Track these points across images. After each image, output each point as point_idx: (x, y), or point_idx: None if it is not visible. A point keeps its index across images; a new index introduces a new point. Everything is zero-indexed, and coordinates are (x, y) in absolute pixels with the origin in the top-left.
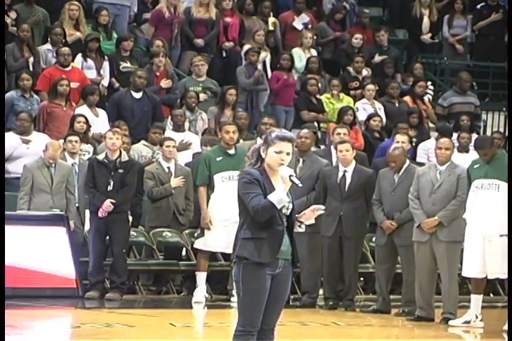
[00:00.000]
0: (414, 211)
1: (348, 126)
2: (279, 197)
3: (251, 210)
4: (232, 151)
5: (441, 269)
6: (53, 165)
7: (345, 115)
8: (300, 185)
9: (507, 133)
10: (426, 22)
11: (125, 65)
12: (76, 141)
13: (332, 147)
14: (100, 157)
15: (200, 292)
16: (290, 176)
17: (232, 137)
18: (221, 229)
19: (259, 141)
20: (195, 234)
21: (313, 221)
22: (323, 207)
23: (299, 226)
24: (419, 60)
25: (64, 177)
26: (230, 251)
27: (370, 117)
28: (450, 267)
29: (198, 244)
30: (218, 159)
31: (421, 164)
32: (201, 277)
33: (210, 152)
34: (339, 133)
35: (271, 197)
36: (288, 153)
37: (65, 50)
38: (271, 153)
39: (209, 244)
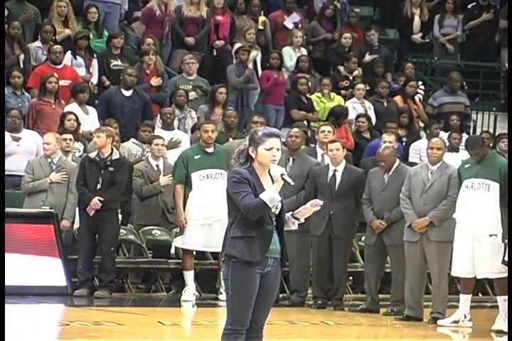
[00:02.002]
0: (406, 211)
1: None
2: (271, 195)
3: (243, 209)
4: (210, 150)
5: (431, 269)
6: (54, 161)
7: (346, 116)
8: (292, 183)
9: (507, 134)
10: (417, 21)
11: (116, 63)
12: (70, 139)
13: (317, 145)
14: (92, 155)
15: (189, 290)
16: (282, 175)
17: (210, 136)
18: (199, 228)
19: (247, 139)
20: (177, 232)
21: (302, 220)
22: (321, 202)
23: (293, 223)
24: (410, 60)
25: (64, 175)
26: (208, 249)
27: (356, 117)
28: (440, 267)
29: (177, 242)
30: (196, 157)
31: (413, 164)
32: (189, 276)
33: (189, 150)
34: (323, 131)
35: (263, 195)
36: (278, 149)
37: (57, 47)
38: (262, 151)
39: (187, 242)
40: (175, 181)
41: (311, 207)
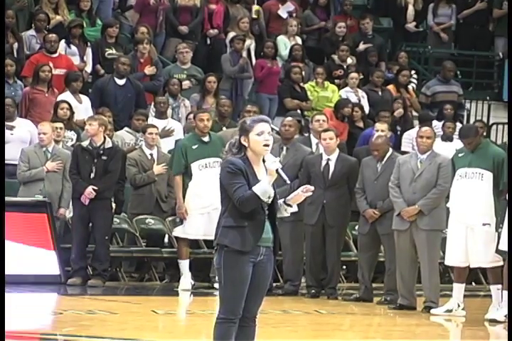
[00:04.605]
0: (395, 199)
1: (346, 117)
2: (264, 188)
3: (236, 201)
4: (206, 139)
5: (421, 258)
6: (49, 149)
7: (346, 107)
8: (288, 181)
9: (507, 131)
10: (411, 10)
11: (110, 52)
12: (61, 128)
13: (312, 135)
14: (85, 144)
15: (186, 279)
16: (277, 170)
17: (206, 125)
18: (200, 217)
19: (237, 130)
20: (176, 222)
21: (296, 209)
22: (312, 187)
23: (285, 210)
24: (404, 49)
25: (60, 164)
26: (209, 238)
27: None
28: (430, 256)
29: (177, 231)
30: (194, 147)
31: (406, 153)
32: (184, 265)
33: (185, 140)
34: (318, 120)
35: (255, 188)
36: (269, 133)
37: (52, 36)
38: (253, 138)
39: (188, 232)
40: (173, 172)
41: (303, 193)
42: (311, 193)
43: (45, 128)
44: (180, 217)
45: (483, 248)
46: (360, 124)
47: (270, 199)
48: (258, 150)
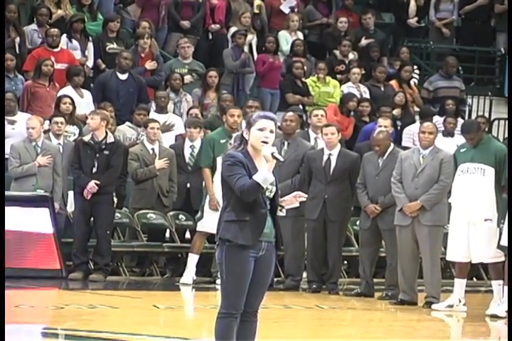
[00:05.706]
0: (397, 195)
1: (349, 112)
2: (264, 176)
3: (237, 191)
4: (235, 135)
5: (423, 253)
6: (38, 144)
7: (351, 101)
8: (282, 159)
9: (507, 129)
10: (412, 6)
11: (111, 46)
12: (62, 123)
13: (310, 129)
14: (86, 138)
15: (189, 274)
16: (272, 153)
17: (236, 120)
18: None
19: (244, 123)
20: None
21: (297, 204)
22: (305, 195)
23: (280, 210)
24: (406, 44)
25: (50, 159)
26: None
27: (358, 102)
28: (432, 251)
29: (199, 226)
30: (222, 141)
31: (406, 148)
32: (193, 259)
33: (215, 134)
34: (316, 115)
35: (256, 176)
36: (271, 131)
37: (54, 31)
38: (254, 132)
39: (208, 226)
40: (203, 165)
41: (296, 199)
42: (304, 199)
43: (33, 123)
44: (212, 208)
45: (485, 243)
46: (366, 119)
47: (272, 194)
48: (255, 145)
